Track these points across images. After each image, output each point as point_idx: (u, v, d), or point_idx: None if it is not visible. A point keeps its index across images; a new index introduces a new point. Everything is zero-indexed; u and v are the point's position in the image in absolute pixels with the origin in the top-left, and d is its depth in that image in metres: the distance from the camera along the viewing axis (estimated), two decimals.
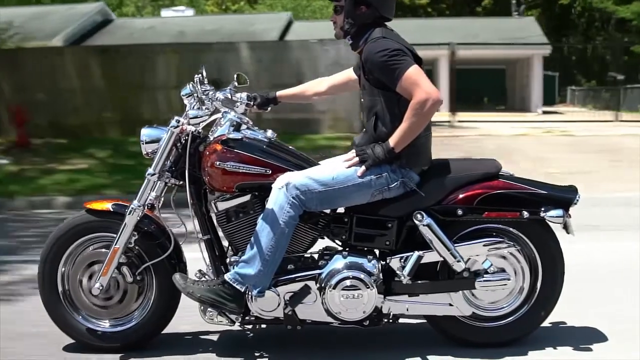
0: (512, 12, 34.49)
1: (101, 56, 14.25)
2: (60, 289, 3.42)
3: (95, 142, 12.79)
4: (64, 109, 13.87)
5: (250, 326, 3.36)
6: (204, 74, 3.40)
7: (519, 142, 12.86)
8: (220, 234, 3.38)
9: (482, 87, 30.96)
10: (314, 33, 17.86)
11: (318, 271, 3.22)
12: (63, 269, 3.41)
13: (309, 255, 3.32)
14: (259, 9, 39.23)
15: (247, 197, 3.26)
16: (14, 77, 13.85)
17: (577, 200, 3.27)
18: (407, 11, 33.66)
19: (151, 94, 13.73)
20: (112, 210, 3.37)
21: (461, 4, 36.18)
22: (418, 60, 3.19)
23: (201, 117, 3.29)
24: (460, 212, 3.21)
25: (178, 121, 3.29)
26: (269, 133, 3.35)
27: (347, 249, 3.27)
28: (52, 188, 9.10)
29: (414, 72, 3.09)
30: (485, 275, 3.25)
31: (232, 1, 41.49)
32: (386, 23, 3.31)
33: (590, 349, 3.34)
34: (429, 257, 3.23)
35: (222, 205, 3.28)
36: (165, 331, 3.47)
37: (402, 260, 3.23)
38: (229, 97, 3.39)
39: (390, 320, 3.31)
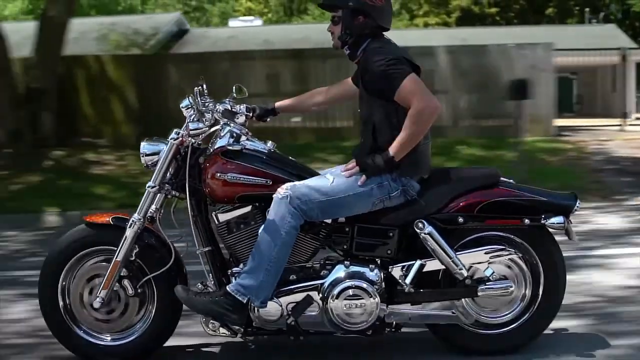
0: (585, 20, 33.93)
1: (292, 60, 13.98)
2: (60, 303, 3.39)
3: (292, 147, 11.80)
4: None
5: (252, 337, 3.35)
6: (204, 85, 3.41)
7: None
8: (221, 245, 3.38)
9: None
10: (398, 41, 17.83)
11: (320, 281, 3.22)
12: (63, 283, 3.38)
13: (310, 266, 3.32)
14: (306, 19, 39.22)
15: (247, 208, 3.26)
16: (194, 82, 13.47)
17: (578, 206, 3.28)
18: (476, 19, 33.60)
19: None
20: (112, 223, 3.36)
21: (526, 12, 36.10)
22: (416, 70, 3.20)
23: (201, 128, 3.29)
24: (461, 220, 3.21)
25: (178, 133, 3.30)
26: (269, 144, 3.36)
27: (348, 259, 3.26)
28: None
29: (412, 81, 3.10)
30: (487, 283, 3.25)
31: (260, 13, 41.58)
32: (384, 33, 3.33)
33: (594, 356, 3.34)
34: (431, 265, 3.23)
35: (223, 217, 3.28)
36: (167, 343, 3.46)
37: (404, 269, 3.22)
38: (229, 108, 3.39)
39: (393, 329, 3.30)
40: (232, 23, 32.56)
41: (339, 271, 3.22)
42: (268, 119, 3.69)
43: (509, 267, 3.31)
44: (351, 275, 3.21)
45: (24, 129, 11.40)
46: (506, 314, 3.35)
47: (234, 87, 3.50)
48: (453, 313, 3.28)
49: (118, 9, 30.63)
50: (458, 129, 13.11)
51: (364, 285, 3.18)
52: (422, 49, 13.85)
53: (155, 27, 24.03)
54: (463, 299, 3.28)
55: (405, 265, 3.23)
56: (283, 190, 3.12)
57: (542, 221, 3.23)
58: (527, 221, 3.23)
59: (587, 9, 34.27)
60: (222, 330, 3.24)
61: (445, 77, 13.20)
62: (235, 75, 13.29)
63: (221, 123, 3.35)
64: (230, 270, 3.30)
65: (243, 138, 3.31)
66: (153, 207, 3.33)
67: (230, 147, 3.25)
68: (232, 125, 3.33)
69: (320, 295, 3.20)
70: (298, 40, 21.26)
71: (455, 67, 13.35)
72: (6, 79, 11.49)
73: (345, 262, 3.24)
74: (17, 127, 11.36)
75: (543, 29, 28.68)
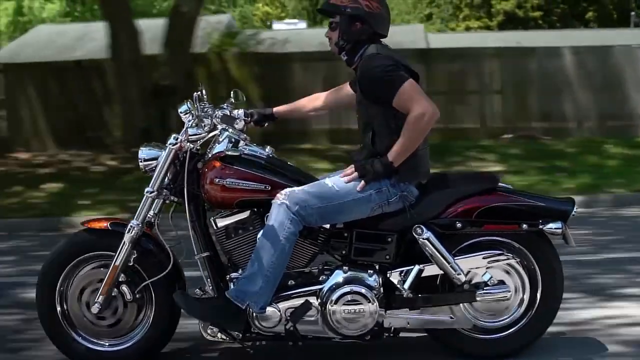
0: (630, 23, 33.68)
1: (416, 60, 13.22)
2: (58, 309, 3.39)
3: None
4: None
5: (251, 343, 3.35)
6: (203, 91, 3.41)
7: None
8: (219, 250, 3.38)
9: None
10: (449, 43, 17.61)
11: (319, 286, 3.22)
12: (61, 288, 3.38)
13: (309, 271, 3.32)
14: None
15: (246, 214, 3.26)
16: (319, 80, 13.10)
17: (575, 212, 3.29)
18: (518, 23, 33.42)
19: (474, 98, 13.43)
20: (110, 228, 3.36)
21: (567, 16, 35.85)
22: (414, 75, 3.21)
23: (200, 134, 3.29)
24: (459, 225, 3.22)
25: (176, 138, 3.30)
26: (268, 149, 3.36)
27: (347, 264, 3.27)
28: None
29: (409, 87, 3.12)
30: (485, 288, 3.25)
31: (278, 17, 41.41)
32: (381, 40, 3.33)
33: None
34: (429, 270, 3.24)
35: (221, 222, 3.28)
36: (165, 349, 3.46)
37: (403, 274, 3.23)
38: (228, 114, 3.40)
39: (392, 334, 3.31)
40: (277, 26, 32.13)
41: (338, 276, 3.23)
42: (266, 124, 3.70)
43: (507, 272, 3.32)
44: (350, 281, 3.21)
45: (153, 126, 11.05)
46: (504, 319, 3.35)
47: (231, 93, 3.50)
48: (451, 318, 3.28)
49: (153, 12, 30.55)
50: (583, 129, 13.13)
51: (363, 290, 3.19)
52: (548, 50, 13.86)
53: (212, 28, 23.74)
54: (461, 304, 3.28)
55: (403, 271, 3.23)
56: (282, 195, 3.13)
57: (540, 226, 3.24)
58: (525, 226, 3.23)
59: (632, 13, 34.00)
60: (220, 335, 3.23)
61: (570, 78, 13.22)
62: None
63: (219, 128, 3.35)
64: (228, 276, 3.30)
65: (241, 143, 3.31)
66: (151, 212, 3.33)
67: (228, 153, 3.26)
68: (230, 130, 3.33)
69: (319, 300, 3.20)
70: None
71: (580, 68, 13.30)
72: (139, 76, 11.22)
73: (344, 268, 3.24)
74: (146, 124, 11.01)
75: (602, 32, 27.85)
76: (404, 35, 24.27)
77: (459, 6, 35.45)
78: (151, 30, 12.24)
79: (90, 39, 20.50)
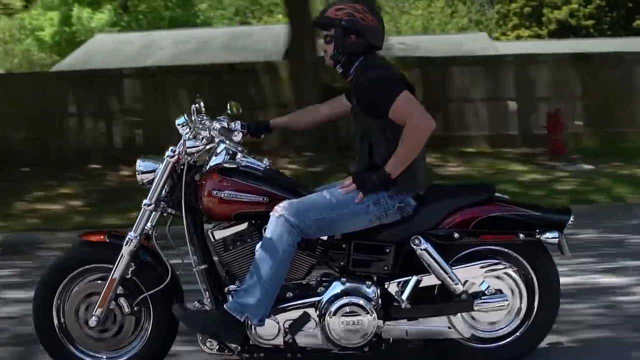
0: None
1: (578, 65, 13.69)
2: (55, 322, 3.38)
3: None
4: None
5: (249, 355, 3.34)
6: (201, 103, 3.41)
7: None
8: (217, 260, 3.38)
9: None
10: (514, 50, 17.61)
11: (317, 298, 3.23)
12: (58, 301, 3.37)
13: (307, 283, 3.32)
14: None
15: (244, 226, 3.26)
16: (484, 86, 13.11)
17: (571, 221, 3.31)
18: (570, 31, 33.45)
19: (627, 102, 13.47)
20: (108, 241, 3.36)
21: (616, 24, 35.87)
22: (410, 87, 3.23)
23: (197, 146, 3.30)
24: (457, 235, 3.23)
25: (174, 151, 3.30)
26: (265, 161, 3.37)
27: (345, 275, 3.27)
28: None
29: (405, 99, 3.13)
30: (483, 297, 3.27)
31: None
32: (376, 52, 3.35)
33: None
34: (427, 280, 3.25)
35: (219, 234, 3.28)
36: None
37: (401, 285, 3.24)
38: (225, 126, 3.40)
39: (390, 345, 3.31)
40: None
41: (336, 288, 3.23)
42: (262, 136, 3.71)
43: (504, 281, 3.33)
44: (348, 292, 3.22)
45: (327, 132, 10.85)
46: (502, 328, 3.37)
47: (228, 105, 3.51)
48: (449, 328, 3.30)
49: (197, 22, 30.53)
50: None
51: (361, 301, 3.19)
52: None
53: (280, 37, 23.83)
54: (459, 314, 3.30)
55: (401, 281, 3.25)
56: (280, 207, 3.13)
57: (537, 236, 3.26)
58: (522, 236, 3.26)
59: None
60: (219, 348, 3.23)
61: None
62: (523, 79, 13.17)
63: (217, 141, 3.35)
64: (227, 288, 3.30)
65: (239, 155, 3.31)
66: (149, 224, 3.32)
67: (226, 165, 3.26)
68: (227, 142, 3.34)
69: (317, 312, 3.20)
70: (417, 51, 18.77)
71: None
72: (315, 77, 10.96)
73: (342, 279, 3.25)
74: (322, 131, 10.72)
75: None
76: (472, 43, 24.48)
77: (507, 15, 35.54)
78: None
79: (158, 47, 20.73)
